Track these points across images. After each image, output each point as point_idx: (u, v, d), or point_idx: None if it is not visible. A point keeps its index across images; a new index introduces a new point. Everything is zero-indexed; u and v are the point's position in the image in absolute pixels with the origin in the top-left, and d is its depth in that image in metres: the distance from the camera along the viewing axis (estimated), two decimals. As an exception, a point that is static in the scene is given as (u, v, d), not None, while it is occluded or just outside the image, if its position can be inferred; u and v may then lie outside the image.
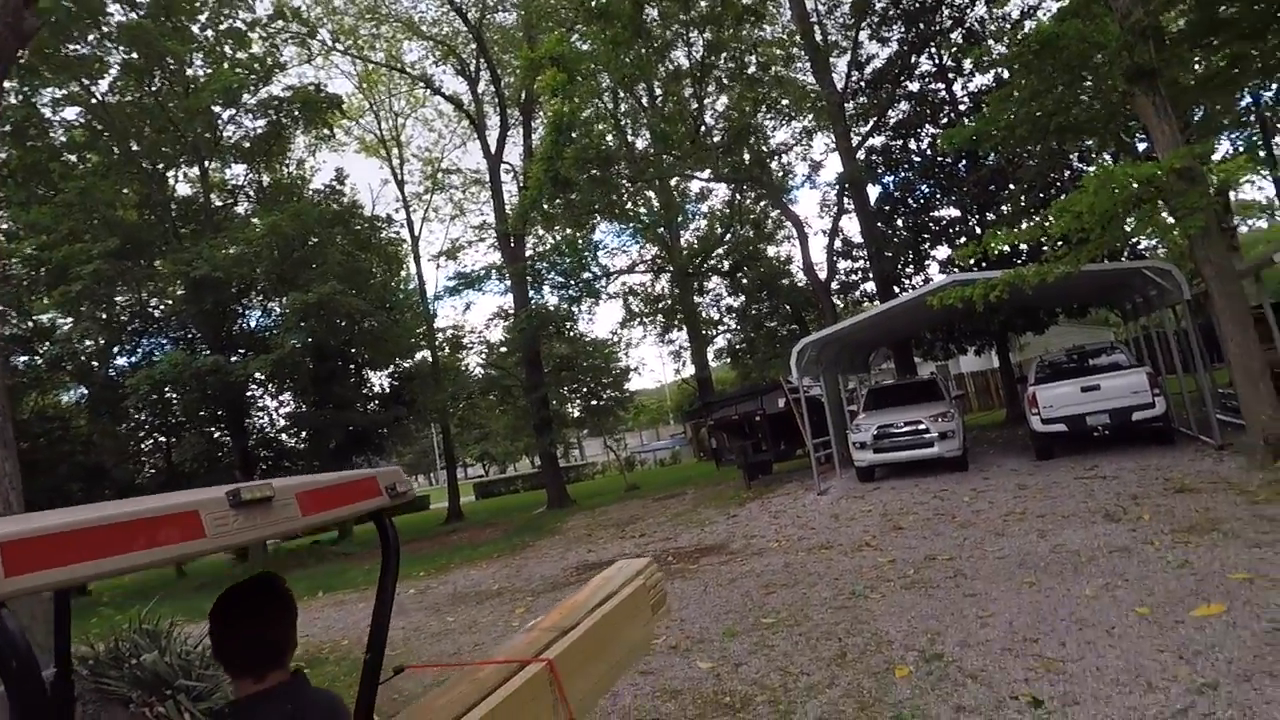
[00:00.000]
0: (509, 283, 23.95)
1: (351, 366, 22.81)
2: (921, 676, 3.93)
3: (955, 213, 19.71)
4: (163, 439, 21.94)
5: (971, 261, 9.28)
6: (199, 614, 2.13)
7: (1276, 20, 11.01)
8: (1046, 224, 8.72)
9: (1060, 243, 9.26)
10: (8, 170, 18.48)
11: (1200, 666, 3.45)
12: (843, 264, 21.18)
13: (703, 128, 17.43)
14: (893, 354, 20.98)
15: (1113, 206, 7.77)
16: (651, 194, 22.79)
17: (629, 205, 20.98)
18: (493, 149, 24.15)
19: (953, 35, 19.18)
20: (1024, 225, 12.84)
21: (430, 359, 25.73)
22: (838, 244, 21.01)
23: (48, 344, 19.60)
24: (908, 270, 19.92)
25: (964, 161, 18.36)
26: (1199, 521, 5.92)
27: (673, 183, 22.06)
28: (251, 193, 23.04)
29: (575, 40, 16.20)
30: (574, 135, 14.43)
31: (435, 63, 26.20)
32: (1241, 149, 17.15)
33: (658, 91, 19.17)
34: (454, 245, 27.46)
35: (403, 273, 27.09)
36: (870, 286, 20.46)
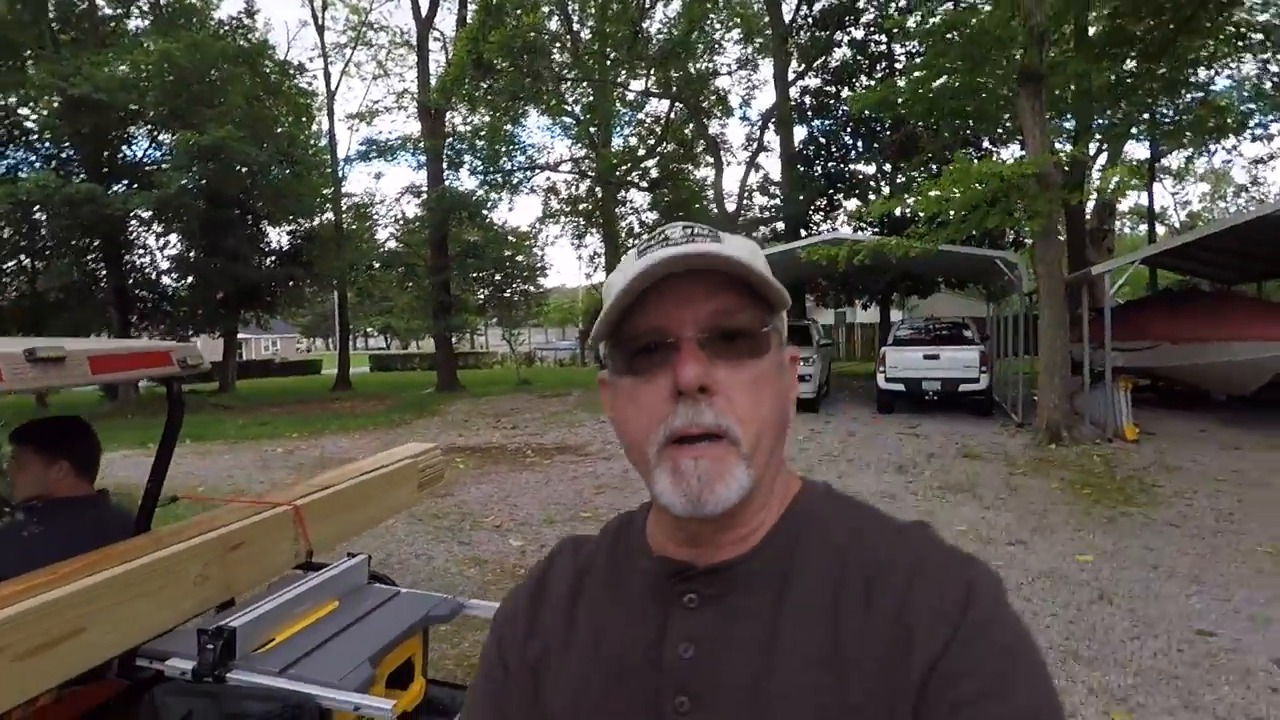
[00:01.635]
0: (424, 158, 23.17)
1: (249, 218, 21.78)
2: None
3: (871, 169, 20.49)
4: (28, 262, 20.52)
5: (869, 220, 10.02)
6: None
7: (1175, 43, 11.94)
8: (915, 201, 9.46)
9: (931, 221, 10.08)
10: None
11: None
12: (758, 199, 21.76)
13: (641, 34, 17.11)
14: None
15: (972, 197, 8.57)
16: (584, 91, 22.29)
17: (558, 101, 20.50)
18: (423, 12, 22.74)
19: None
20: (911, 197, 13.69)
21: (335, 223, 24.85)
22: (755, 179, 21.48)
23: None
24: (816, 218, 20.72)
25: (888, 122, 18.98)
26: (962, 482, 7.05)
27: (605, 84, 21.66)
28: (146, 7, 20.89)
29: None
30: (505, 17, 13.93)
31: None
32: (1130, 161, 18.57)
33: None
34: (371, 109, 26.08)
35: (314, 127, 25.63)
36: (780, 226, 21.20)
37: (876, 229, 16.04)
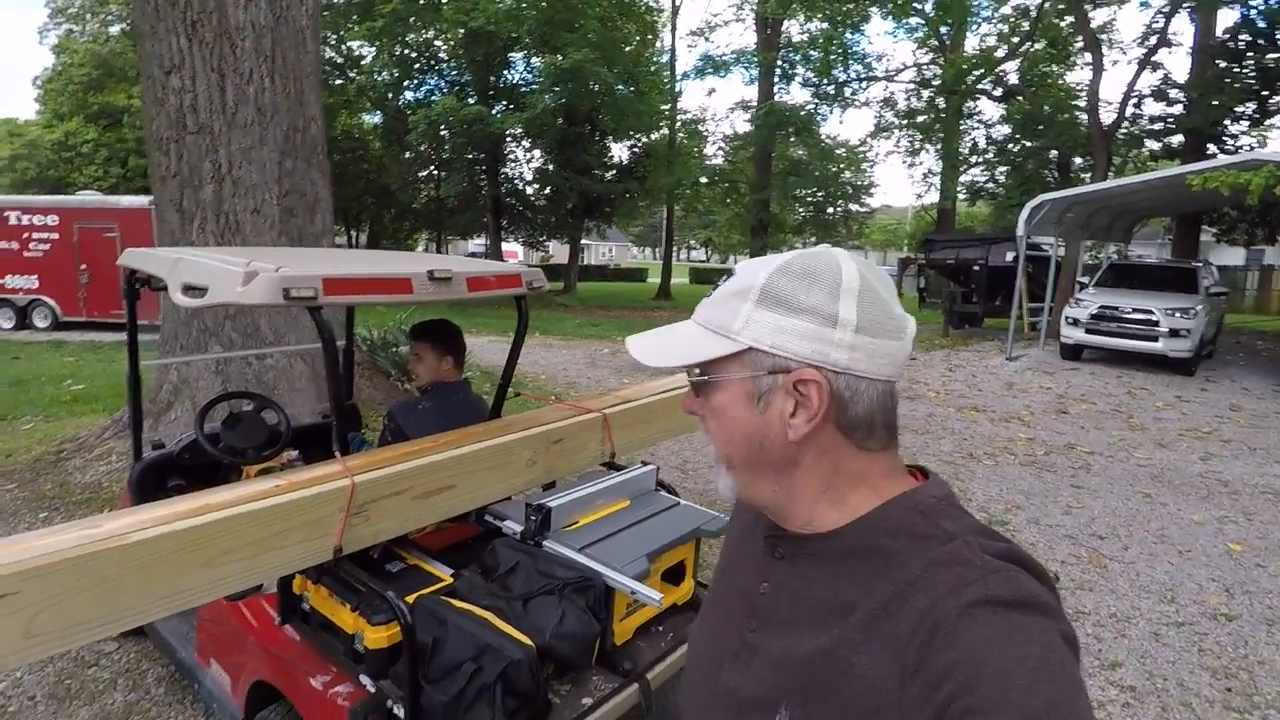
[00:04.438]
0: (756, 73, 23.02)
1: (595, 134, 24.08)
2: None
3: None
4: (435, 172, 25.41)
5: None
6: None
7: None
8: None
9: None
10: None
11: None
12: (1149, 107, 17.58)
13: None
14: (1174, 227, 17.92)
15: None
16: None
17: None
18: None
19: None
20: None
21: (669, 139, 26.28)
22: (1148, 81, 17.30)
23: (354, 72, 22.75)
24: (1235, 129, 16.20)
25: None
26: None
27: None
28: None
29: None
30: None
31: None
32: None
33: None
34: (710, 24, 26.42)
35: (657, 44, 26.93)
36: (1177, 140, 17.02)
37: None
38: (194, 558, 1.49)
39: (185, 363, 5.01)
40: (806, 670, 0.64)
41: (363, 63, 23.35)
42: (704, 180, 25.95)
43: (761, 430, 0.67)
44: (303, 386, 5.15)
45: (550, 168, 24.37)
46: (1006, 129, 19.80)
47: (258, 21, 4.88)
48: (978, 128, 22.10)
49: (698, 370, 0.71)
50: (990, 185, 21.51)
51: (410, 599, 1.80)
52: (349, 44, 23.41)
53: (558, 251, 37.96)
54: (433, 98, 22.55)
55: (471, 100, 21.30)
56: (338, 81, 22.56)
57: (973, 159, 21.30)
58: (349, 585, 1.81)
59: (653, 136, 25.91)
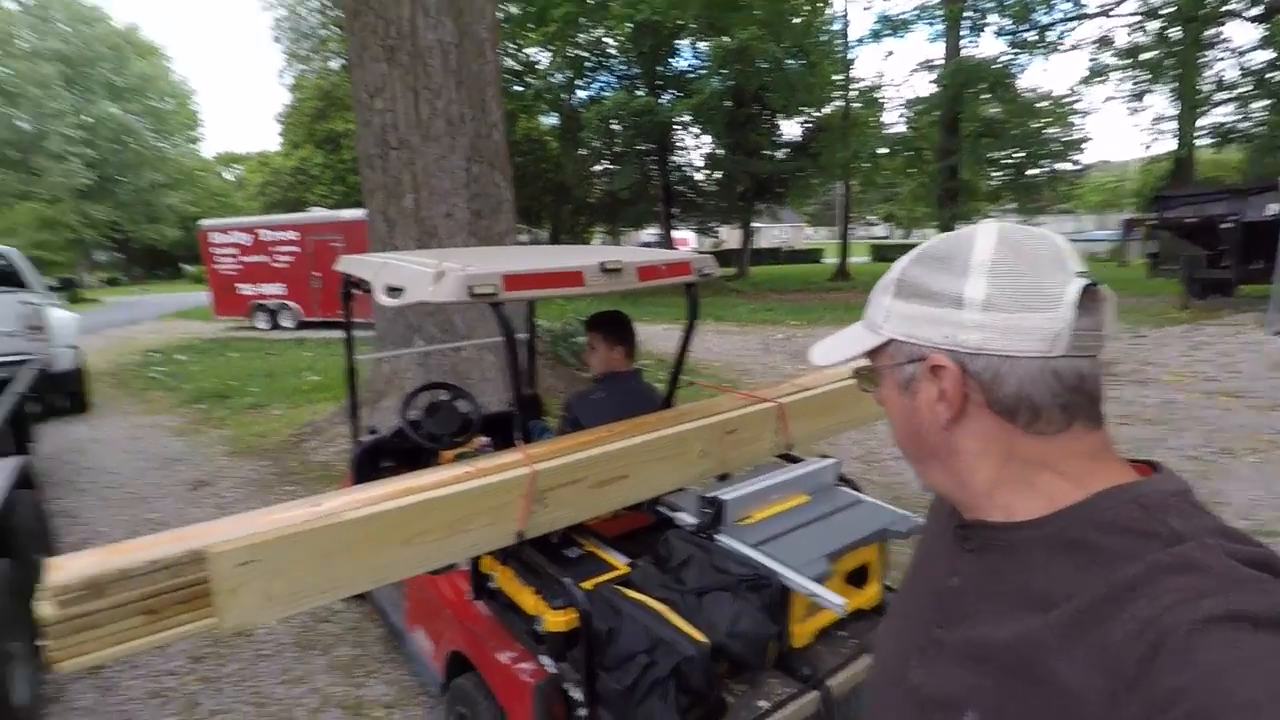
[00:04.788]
0: (941, 28, 21.20)
1: (765, 113, 23.54)
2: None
3: None
4: (608, 165, 26.25)
5: None
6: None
7: None
8: None
9: None
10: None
11: None
12: None
13: None
14: None
15: None
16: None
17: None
18: None
19: None
20: None
21: (842, 110, 25.04)
22: None
23: (531, 77, 24.02)
24: None
25: None
26: None
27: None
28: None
29: None
30: None
31: None
32: None
33: None
34: (887, -20, 24.69)
35: (827, 10, 25.71)
36: None
37: None
38: (395, 536, 1.61)
39: (395, 356, 5.57)
40: (997, 671, 0.60)
41: (538, 67, 24.60)
42: (883, 151, 24.40)
43: (915, 418, 0.68)
44: (492, 376, 5.52)
45: (719, 152, 24.21)
46: (1267, 54, 16.58)
47: (444, 39, 5.27)
48: (1224, 58, 18.75)
49: (862, 364, 0.74)
50: (1244, 125, 18.16)
51: (588, 586, 1.83)
52: (525, 51, 24.78)
53: (729, 237, 37.74)
54: (604, 93, 23.27)
55: (640, 92, 21.70)
56: (516, 88, 23.92)
57: (1218, 96, 18.11)
58: (531, 569, 1.88)
59: (825, 110, 24.81)
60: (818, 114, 24.77)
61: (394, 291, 2.13)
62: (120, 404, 8.09)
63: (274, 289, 15.25)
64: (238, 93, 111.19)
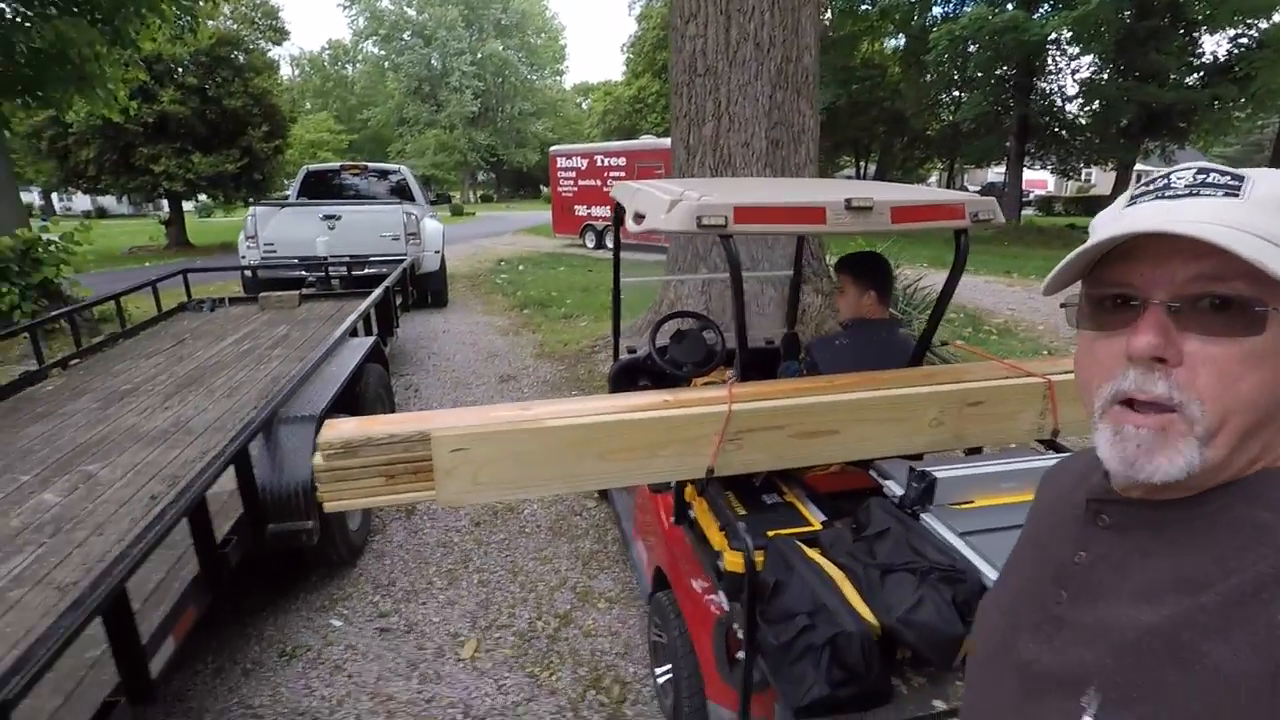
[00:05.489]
0: None
1: (1180, 26, 18.77)
2: None
3: None
4: (955, 94, 23.45)
5: None
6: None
7: None
8: None
9: None
10: None
11: None
12: None
13: None
14: None
15: None
16: None
17: None
18: None
19: None
20: None
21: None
22: None
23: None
24: None
25: None
26: None
27: None
28: None
29: None
30: None
31: None
32: None
33: None
34: None
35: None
36: None
37: None
38: (589, 449, 1.73)
39: (680, 281, 5.82)
40: (1132, 652, 0.55)
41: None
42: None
43: None
44: (769, 312, 5.48)
45: (1101, 77, 20.07)
46: None
47: (762, -43, 5.09)
48: None
49: (1251, 287, 0.52)
50: None
51: (772, 535, 1.78)
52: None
53: (1100, 181, 31.62)
54: (964, 7, 20.59)
55: (1009, 6, 18.74)
56: (863, 7, 22.27)
57: None
58: (719, 506, 1.89)
59: (1275, 19, 18.89)
60: (1264, 24, 19.02)
61: (638, 218, 2.22)
62: (469, 303, 9.76)
63: (602, 211, 16.80)
64: (596, 25, 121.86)
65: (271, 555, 2.75)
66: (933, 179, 32.87)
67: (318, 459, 1.63)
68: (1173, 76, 19.34)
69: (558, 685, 2.49)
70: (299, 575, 3.11)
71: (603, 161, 16.72)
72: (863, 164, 32.09)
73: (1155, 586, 0.57)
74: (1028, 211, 31.47)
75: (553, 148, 19.53)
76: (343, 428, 1.69)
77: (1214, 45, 19.64)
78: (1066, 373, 2.01)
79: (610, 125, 29.93)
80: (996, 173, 30.98)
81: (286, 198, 11.18)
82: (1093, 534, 0.64)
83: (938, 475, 1.67)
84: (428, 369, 6.34)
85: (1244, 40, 19.55)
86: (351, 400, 3.47)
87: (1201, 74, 19.87)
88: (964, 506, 1.69)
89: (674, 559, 2.23)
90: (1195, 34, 19.39)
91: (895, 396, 1.89)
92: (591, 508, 3.76)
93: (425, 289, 8.86)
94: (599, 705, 2.41)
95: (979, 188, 49.29)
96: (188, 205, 22.75)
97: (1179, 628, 0.53)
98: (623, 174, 16.13)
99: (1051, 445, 2.02)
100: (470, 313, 9.02)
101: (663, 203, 2.00)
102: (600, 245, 16.79)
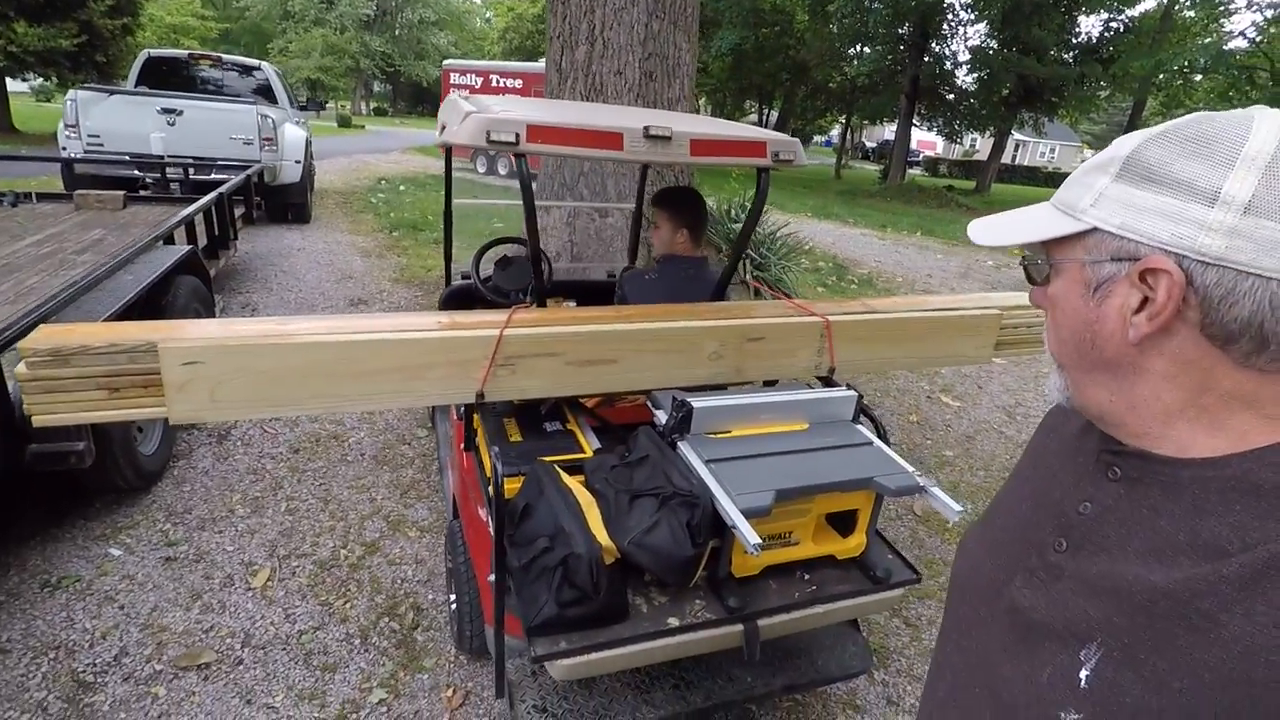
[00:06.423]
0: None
1: (1063, 5, 19.72)
2: None
3: None
4: (858, 48, 23.83)
5: None
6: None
7: None
8: None
9: None
10: None
11: None
12: None
13: None
14: None
15: None
16: None
17: None
18: None
19: None
20: None
21: (1165, 7, 20.25)
22: None
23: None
24: None
25: None
26: None
27: None
28: None
29: None
30: None
31: None
32: None
33: None
34: None
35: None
36: None
37: None
38: (345, 368, 1.64)
39: (544, 208, 5.67)
40: (1144, 612, 0.55)
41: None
42: (1204, 63, 19.64)
43: (1093, 326, 0.59)
44: (619, 245, 5.45)
45: (991, 45, 20.92)
46: None
47: None
48: None
49: (1039, 254, 0.64)
50: None
51: (545, 461, 1.78)
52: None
53: (983, 148, 33.35)
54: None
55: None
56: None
57: None
58: (485, 430, 1.87)
59: (1138, 9, 20.22)
60: (1128, 10, 20.31)
61: (441, 129, 2.12)
62: (335, 221, 9.15)
63: (496, 135, 16.10)
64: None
65: (39, 479, 2.51)
66: (834, 132, 33.51)
67: (21, 367, 1.47)
68: (1051, 52, 20.42)
69: (350, 613, 2.45)
70: (80, 502, 2.87)
71: (498, 82, 15.94)
72: (767, 111, 32.28)
73: (1167, 546, 0.56)
74: (914, 171, 32.88)
75: (447, 61, 18.38)
76: (51, 334, 1.52)
77: (1089, 26, 20.73)
78: (846, 314, 2.10)
79: (511, 44, 28.49)
80: (892, 131, 32.00)
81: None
82: (1101, 485, 0.64)
83: (695, 405, 1.71)
84: (271, 288, 5.92)
85: (1114, 25, 20.85)
86: (152, 315, 3.18)
87: (1075, 52, 21.10)
88: (719, 435, 1.74)
89: (464, 486, 2.21)
90: (1075, 13, 20.47)
91: (674, 329, 1.91)
92: (423, 437, 3.68)
93: (284, 201, 8.20)
94: (390, 632, 2.39)
95: (875, 144, 50.86)
96: (17, 85, 19.91)
97: (1196, 595, 0.52)
98: (519, 96, 15.47)
99: (827, 382, 2.11)
100: (333, 231, 8.48)
101: (461, 115, 1.90)
102: (491, 171, 16.14)
